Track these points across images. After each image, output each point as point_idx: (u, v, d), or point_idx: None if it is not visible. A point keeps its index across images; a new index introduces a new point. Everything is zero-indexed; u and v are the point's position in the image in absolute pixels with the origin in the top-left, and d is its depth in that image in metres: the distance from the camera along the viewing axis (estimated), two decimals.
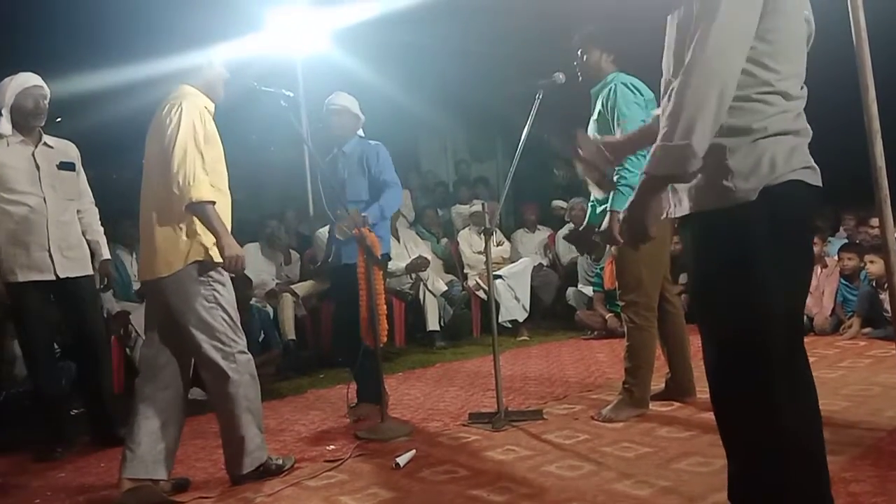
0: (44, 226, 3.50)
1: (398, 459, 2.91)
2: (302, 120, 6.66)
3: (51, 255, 3.50)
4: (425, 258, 6.50)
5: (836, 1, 3.13)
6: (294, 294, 5.92)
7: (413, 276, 6.40)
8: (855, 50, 3.30)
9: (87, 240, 3.74)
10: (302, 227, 7.51)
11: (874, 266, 4.99)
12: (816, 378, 1.61)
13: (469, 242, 6.97)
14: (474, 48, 6.98)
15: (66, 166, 3.67)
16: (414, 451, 3.04)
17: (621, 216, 1.64)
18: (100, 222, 3.87)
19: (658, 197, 1.59)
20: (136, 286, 5.24)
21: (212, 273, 2.78)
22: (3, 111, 3.50)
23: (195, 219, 2.72)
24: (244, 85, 3.12)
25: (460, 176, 9.71)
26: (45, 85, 3.58)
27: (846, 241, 6.00)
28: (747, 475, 1.62)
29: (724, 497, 1.67)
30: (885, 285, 3.85)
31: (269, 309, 5.69)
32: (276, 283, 6.07)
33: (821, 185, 1.63)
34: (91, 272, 3.73)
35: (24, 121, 3.52)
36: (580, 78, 3.65)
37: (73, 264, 3.60)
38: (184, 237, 2.72)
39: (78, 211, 3.72)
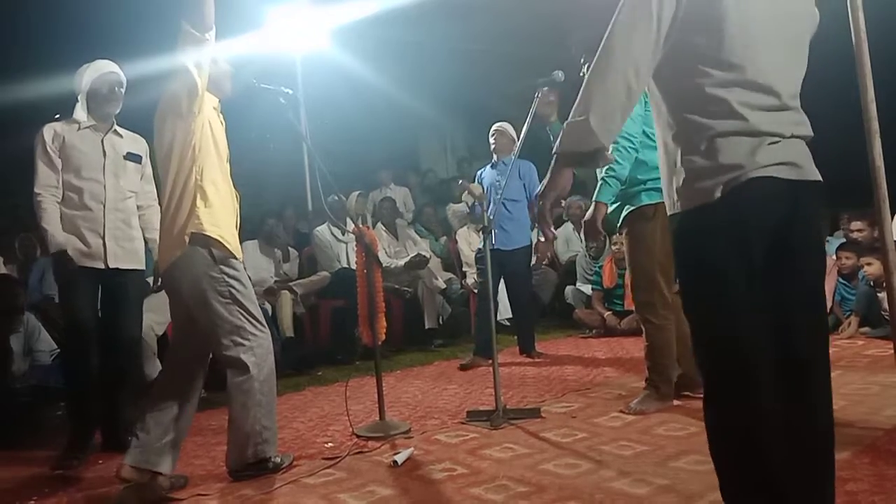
0: (101, 213, 3.44)
1: (396, 457, 2.91)
2: (301, 117, 6.66)
3: (104, 244, 3.43)
4: (424, 256, 6.51)
5: (836, 1, 3.13)
6: (292, 291, 5.92)
7: (412, 273, 6.41)
8: (854, 50, 3.30)
9: (145, 238, 3.65)
10: (300, 224, 7.52)
11: (872, 268, 5.00)
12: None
13: (468, 241, 6.95)
14: (474, 46, 6.98)
15: (133, 157, 3.59)
16: (412, 448, 3.05)
17: (538, 205, 1.64)
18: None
19: (565, 176, 1.58)
20: None
21: (225, 269, 2.79)
22: (79, 98, 3.48)
23: (194, 199, 2.76)
24: (243, 82, 3.12)
25: (462, 175, 9.70)
26: (120, 72, 3.54)
27: (844, 240, 6.00)
28: (720, 478, 1.60)
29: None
30: (884, 284, 3.86)
31: (268, 306, 5.69)
32: (275, 281, 6.08)
33: (807, 179, 1.57)
34: (142, 268, 3.64)
35: (99, 107, 3.49)
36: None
37: (126, 255, 3.50)
38: (182, 217, 2.77)
39: (139, 207, 3.63)
